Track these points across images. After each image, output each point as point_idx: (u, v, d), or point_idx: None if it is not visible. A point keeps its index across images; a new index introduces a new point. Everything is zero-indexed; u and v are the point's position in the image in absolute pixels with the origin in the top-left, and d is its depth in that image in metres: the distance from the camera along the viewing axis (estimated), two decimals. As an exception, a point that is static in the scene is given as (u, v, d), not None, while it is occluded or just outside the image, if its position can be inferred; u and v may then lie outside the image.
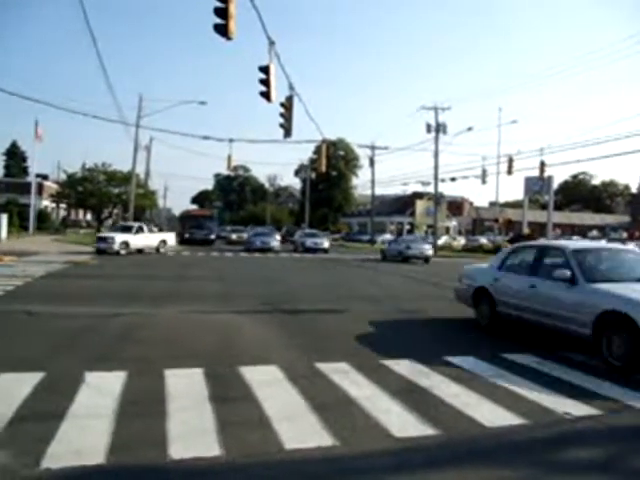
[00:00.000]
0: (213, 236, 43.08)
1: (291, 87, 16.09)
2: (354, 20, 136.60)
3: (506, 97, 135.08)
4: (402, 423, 4.73)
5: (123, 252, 27.56)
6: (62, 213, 65.93)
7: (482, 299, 9.60)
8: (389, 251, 32.55)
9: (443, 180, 45.31)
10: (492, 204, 69.37)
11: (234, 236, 49.33)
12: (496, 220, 43.65)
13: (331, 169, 68.02)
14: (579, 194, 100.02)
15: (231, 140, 32.33)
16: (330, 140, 46.26)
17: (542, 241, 12.22)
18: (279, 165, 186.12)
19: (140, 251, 29.63)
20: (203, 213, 51.91)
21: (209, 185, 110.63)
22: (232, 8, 9.77)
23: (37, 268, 18.18)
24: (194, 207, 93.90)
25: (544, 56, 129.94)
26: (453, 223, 69.92)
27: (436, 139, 42.04)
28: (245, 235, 46.49)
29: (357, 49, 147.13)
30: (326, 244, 38.23)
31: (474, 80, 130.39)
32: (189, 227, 43.17)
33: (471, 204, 79.95)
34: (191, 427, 4.46)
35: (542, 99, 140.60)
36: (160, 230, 37.29)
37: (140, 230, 30.09)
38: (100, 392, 5.29)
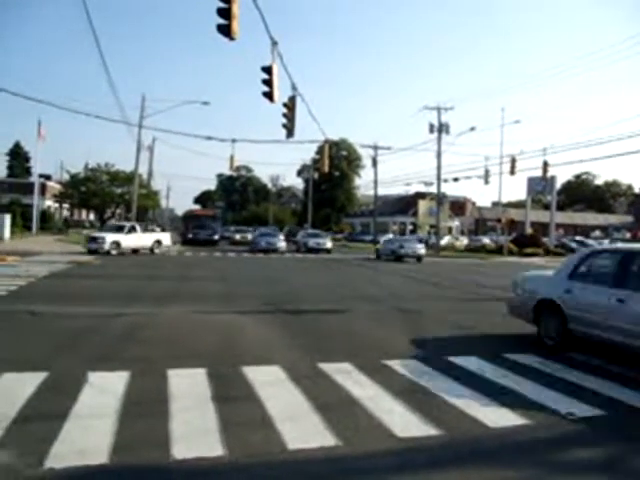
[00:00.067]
0: (217, 236, 42.80)
1: (294, 87, 16.07)
2: (354, 20, 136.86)
3: (506, 97, 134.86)
4: (405, 423, 4.73)
5: (114, 252, 27.08)
6: (65, 213, 66.05)
7: (548, 314, 8.10)
8: (383, 250, 32.94)
9: (446, 180, 45.27)
10: (495, 204, 69.30)
11: (238, 236, 49.21)
12: (499, 220, 43.43)
13: (334, 169, 67.91)
14: (582, 194, 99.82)
15: (234, 140, 32.29)
16: (333, 140, 46.31)
17: (627, 245, 10.10)
18: (282, 165, 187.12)
19: (135, 251, 29.31)
20: (207, 213, 51.39)
21: (212, 185, 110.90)
22: (235, 8, 9.76)
23: (40, 268, 18.21)
24: (197, 207, 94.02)
25: (544, 56, 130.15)
26: (456, 223, 69.87)
27: (439, 139, 42.03)
28: (249, 236, 46.27)
29: (357, 49, 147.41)
30: (329, 244, 38.22)
31: (474, 80, 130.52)
32: (193, 227, 42.97)
33: (474, 204, 79.89)
34: (194, 427, 4.47)
35: (542, 99, 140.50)
36: (163, 230, 37.28)
37: (132, 230, 29.52)
38: (103, 392, 5.30)
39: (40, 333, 8.14)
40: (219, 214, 54.50)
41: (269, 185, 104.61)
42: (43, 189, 52.91)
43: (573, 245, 44.99)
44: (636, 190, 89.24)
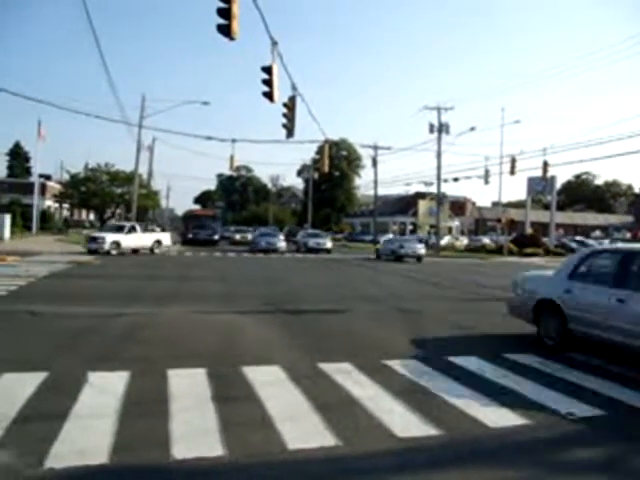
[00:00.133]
0: (217, 236, 42.79)
1: (294, 87, 16.07)
2: (354, 20, 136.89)
3: (506, 97, 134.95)
4: (405, 423, 4.73)
5: (114, 252, 27.10)
6: (65, 213, 66.06)
7: (547, 314, 8.10)
8: (383, 250, 32.92)
9: (446, 180, 45.27)
10: (495, 204, 69.30)
11: (238, 236, 49.20)
12: (499, 220, 43.45)
13: (334, 169, 67.91)
14: (582, 194, 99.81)
15: (234, 140, 32.28)
16: (333, 140, 46.28)
17: (627, 245, 10.12)
18: (282, 165, 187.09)
19: (135, 251, 29.31)
20: (207, 213, 51.35)
21: (211, 185, 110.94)
22: (235, 8, 9.76)
23: (40, 268, 18.21)
24: (197, 207, 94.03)
25: (544, 56, 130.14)
26: (456, 223, 69.88)
27: (439, 139, 42.04)
28: (249, 236, 46.25)
29: (357, 49, 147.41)
30: (329, 244, 38.22)
31: (474, 80, 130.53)
32: (193, 227, 42.96)
33: (474, 204, 79.89)
34: (194, 427, 4.47)
35: (542, 99, 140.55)
36: (163, 230, 37.26)
37: (132, 230, 29.51)
38: (103, 392, 5.30)
39: (40, 333, 8.14)
40: (219, 214, 54.47)
41: (269, 185, 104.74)
42: (43, 189, 52.92)
43: (573, 245, 44.99)
44: (636, 190, 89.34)
